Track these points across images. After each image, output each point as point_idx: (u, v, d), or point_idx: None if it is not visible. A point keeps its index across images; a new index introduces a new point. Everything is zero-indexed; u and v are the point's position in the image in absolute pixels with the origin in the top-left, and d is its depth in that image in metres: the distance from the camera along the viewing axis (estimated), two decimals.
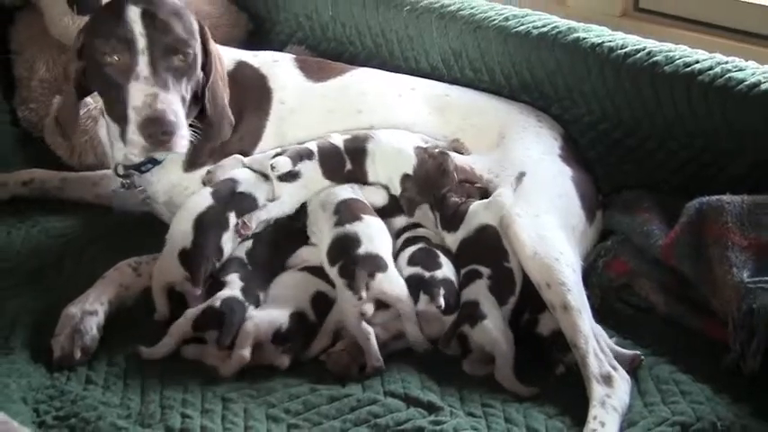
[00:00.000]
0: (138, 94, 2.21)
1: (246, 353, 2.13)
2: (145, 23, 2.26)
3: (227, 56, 2.62)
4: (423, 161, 2.47)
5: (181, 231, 2.34)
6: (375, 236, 2.33)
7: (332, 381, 2.14)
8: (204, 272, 2.28)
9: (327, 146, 2.51)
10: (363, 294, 2.18)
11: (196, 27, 2.39)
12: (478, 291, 2.24)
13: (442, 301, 2.19)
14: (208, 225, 2.34)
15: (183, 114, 2.26)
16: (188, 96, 2.34)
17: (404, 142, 2.52)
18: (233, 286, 2.24)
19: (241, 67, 2.61)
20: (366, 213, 2.38)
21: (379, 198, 2.48)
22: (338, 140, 2.53)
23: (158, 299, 2.29)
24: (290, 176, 2.45)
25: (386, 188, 2.51)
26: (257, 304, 2.24)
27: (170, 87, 2.25)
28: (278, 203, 2.45)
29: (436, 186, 2.44)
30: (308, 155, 2.48)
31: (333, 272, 2.28)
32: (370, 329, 2.17)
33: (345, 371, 2.15)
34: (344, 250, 2.28)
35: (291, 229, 2.43)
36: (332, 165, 2.49)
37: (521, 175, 2.43)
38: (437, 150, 2.51)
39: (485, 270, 2.27)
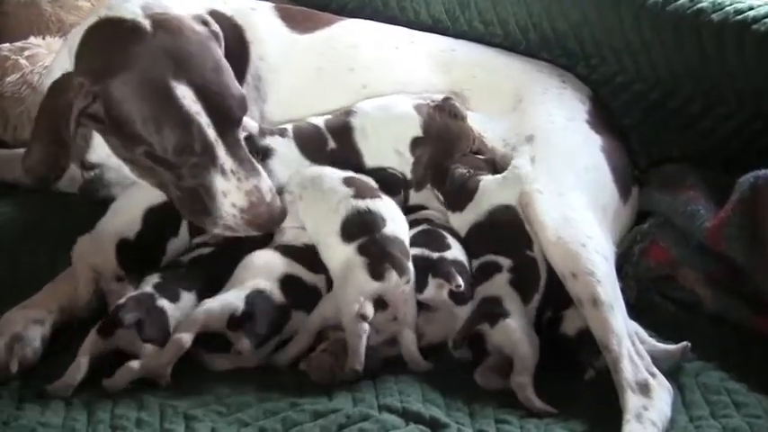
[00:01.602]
0: (235, 192, 2.23)
1: (186, 337, 2.08)
2: (205, 106, 2.20)
3: (196, 5, 2.56)
4: (430, 116, 2.47)
5: (125, 217, 2.32)
6: (397, 219, 2.32)
7: (316, 392, 2.10)
8: (142, 273, 2.25)
9: (304, 125, 2.52)
10: (405, 279, 2.15)
11: (221, 52, 2.32)
12: (500, 286, 2.21)
13: (460, 280, 2.16)
14: (160, 221, 2.35)
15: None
16: None
17: (398, 104, 2.51)
18: (146, 283, 2.22)
19: (214, 18, 2.55)
20: (383, 194, 2.37)
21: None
22: (317, 120, 2.53)
23: (83, 280, 2.25)
24: (264, 153, 2.43)
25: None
26: (174, 300, 2.18)
27: (257, 168, 2.27)
28: None
29: (456, 138, 2.46)
30: (279, 132, 2.49)
31: (348, 250, 2.23)
32: (366, 328, 2.12)
33: (329, 376, 2.12)
34: (368, 226, 2.25)
35: None
36: (310, 142, 2.48)
37: (530, 138, 2.41)
38: (440, 99, 2.50)
39: (505, 261, 2.24)
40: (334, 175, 2.37)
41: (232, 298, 2.16)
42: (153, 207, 2.35)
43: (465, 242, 2.34)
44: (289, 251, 2.30)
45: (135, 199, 2.37)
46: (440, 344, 2.21)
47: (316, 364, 2.13)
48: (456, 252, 2.27)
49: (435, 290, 2.19)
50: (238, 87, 2.29)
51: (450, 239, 2.30)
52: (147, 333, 2.10)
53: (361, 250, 2.21)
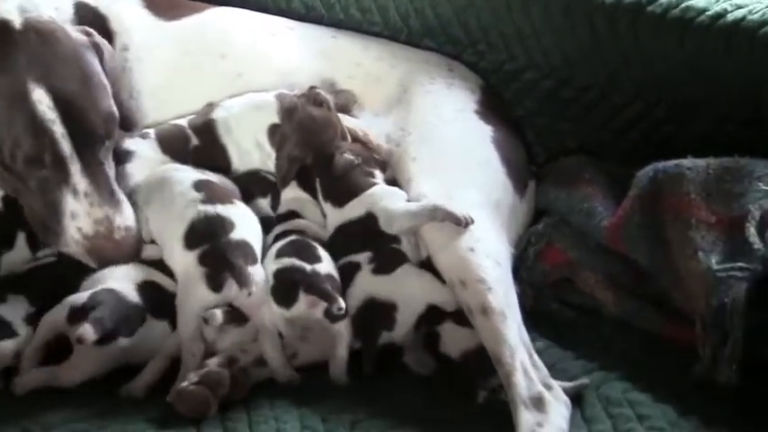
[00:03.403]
0: (83, 217, 2.22)
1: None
2: (63, 117, 2.17)
3: None
4: (290, 104, 2.47)
5: None
6: (247, 223, 2.31)
7: (182, 424, 2.06)
8: None
9: (166, 126, 2.53)
10: (246, 291, 2.15)
11: (98, 65, 2.30)
12: (364, 285, 2.22)
13: (342, 303, 2.14)
14: None
15: (133, 217, 2.28)
16: None
17: (260, 94, 2.53)
18: None
19: (79, 9, 2.58)
20: (236, 199, 2.36)
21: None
22: (181, 120, 2.54)
23: None
24: (123, 157, 2.41)
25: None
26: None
27: (116, 195, 2.25)
28: None
29: (318, 127, 2.44)
30: (141, 135, 2.48)
31: (188, 258, 2.22)
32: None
33: (202, 409, 2.07)
34: (212, 233, 2.24)
35: None
36: (172, 142, 2.49)
37: (415, 135, 2.47)
38: (305, 90, 2.51)
39: (362, 257, 2.26)
40: (185, 179, 2.35)
41: (75, 297, 2.16)
42: None
43: (330, 239, 2.35)
44: (150, 264, 2.29)
45: None
46: (316, 363, 2.19)
47: (188, 398, 2.07)
48: (327, 265, 2.25)
49: (307, 307, 2.16)
50: (109, 106, 2.26)
51: (321, 251, 2.29)
52: None
53: (202, 260, 2.20)
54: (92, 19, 2.57)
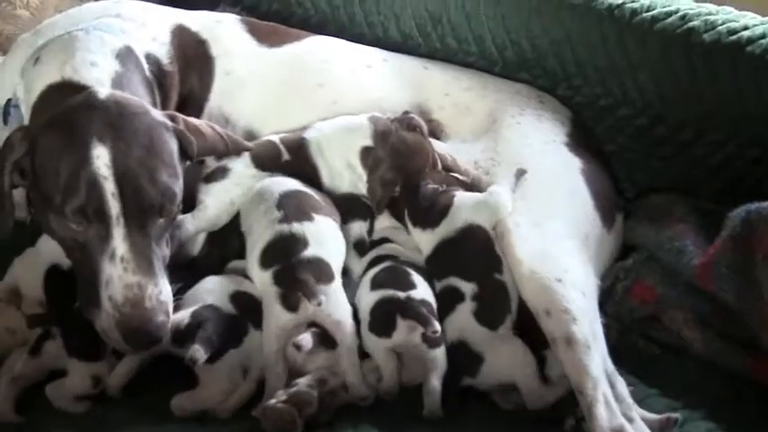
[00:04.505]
0: (116, 282, 2.12)
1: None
2: (116, 177, 2.13)
3: (162, 20, 2.65)
4: (384, 127, 2.50)
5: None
6: (326, 240, 2.33)
7: None
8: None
9: (260, 141, 2.57)
10: (315, 303, 2.15)
11: (174, 146, 2.27)
12: (462, 324, 2.21)
13: (437, 325, 2.15)
14: None
15: (170, 296, 2.18)
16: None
17: (351, 117, 2.56)
18: None
19: (179, 34, 2.64)
20: (318, 213, 2.38)
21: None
22: (273, 137, 2.58)
23: None
24: (219, 173, 2.47)
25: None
26: None
27: (156, 270, 2.15)
28: (200, 209, 2.44)
29: (411, 151, 2.47)
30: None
31: (264, 277, 2.26)
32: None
33: (288, 427, 2.08)
34: (285, 252, 2.27)
35: None
36: (265, 155, 2.52)
37: (520, 173, 2.43)
38: (399, 115, 2.54)
39: (467, 287, 2.24)
40: (273, 194, 2.39)
41: (176, 316, 2.17)
42: None
43: (429, 260, 2.36)
44: (241, 273, 2.34)
45: None
46: (407, 386, 2.20)
47: (275, 415, 2.08)
48: (422, 291, 2.25)
49: (406, 333, 2.17)
50: (171, 183, 2.20)
51: (415, 276, 2.29)
52: (73, 345, 2.16)
53: (276, 279, 2.23)
54: (192, 44, 2.64)
